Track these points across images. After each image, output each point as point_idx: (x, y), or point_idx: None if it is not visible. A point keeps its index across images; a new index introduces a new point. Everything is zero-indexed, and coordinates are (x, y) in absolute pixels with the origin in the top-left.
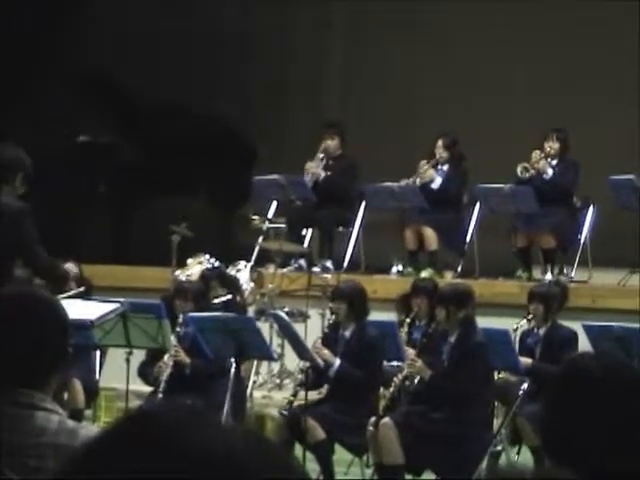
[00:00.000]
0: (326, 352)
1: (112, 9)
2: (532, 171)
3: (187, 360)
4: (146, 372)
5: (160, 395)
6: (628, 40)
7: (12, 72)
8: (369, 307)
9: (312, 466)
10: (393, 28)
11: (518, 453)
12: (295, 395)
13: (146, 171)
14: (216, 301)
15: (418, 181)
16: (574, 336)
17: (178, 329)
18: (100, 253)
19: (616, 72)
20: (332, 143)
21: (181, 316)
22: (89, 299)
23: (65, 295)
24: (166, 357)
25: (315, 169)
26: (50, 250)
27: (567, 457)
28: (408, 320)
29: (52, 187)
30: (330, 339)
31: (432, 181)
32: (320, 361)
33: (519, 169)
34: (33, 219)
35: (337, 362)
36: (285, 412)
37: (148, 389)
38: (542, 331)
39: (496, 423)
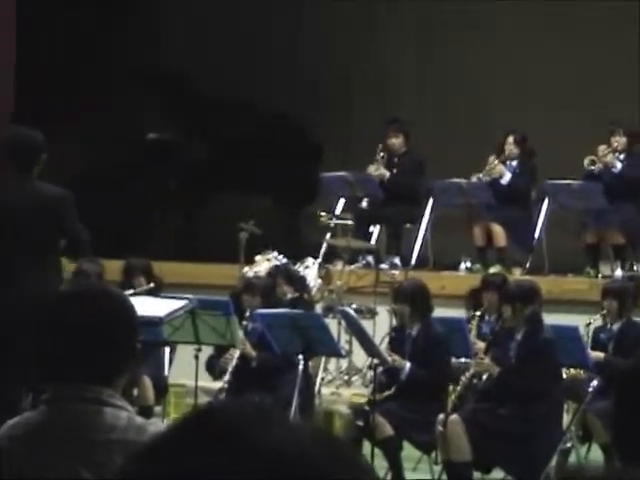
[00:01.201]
0: (396, 357)
1: (181, 7)
2: (599, 164)
3: (253, 353)
4: (213, 365)
5: (225, 385)
6: None
7: (83, 69)
8: (432, 304)
9: (380, 462)
10: (460, 27)
11: (588, 450)
12: (370, 402)
13: (214, 168)
14: (284, 298)
15: (487, 177)
16: None
17: (245, 323)
18: (169, 250)
19: None
20: (396, 141)
21: (248, 310)
22: (158, 296)
23: (134, 291)
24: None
25: (377, 171)
26: (119, 247)
27: (639, 455)
28: (478, 314)
29: (121, 184)
30: (397, 340)
31: (501, 176)
32: (388, 358)
33: (586, 161)
34: (74, 204)
35: (407, 366)
36: (359, 410)
37: (217, 385)
38: (616, 327)
39: (566, 420)
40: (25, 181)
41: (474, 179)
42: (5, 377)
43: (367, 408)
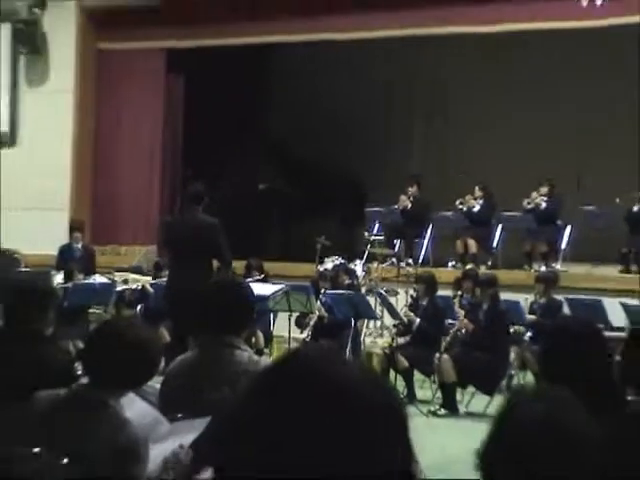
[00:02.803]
0: (412, 314)
1: (285, 85)
2: (532, 204)
3: (326, 315)
4: (300, 322)
5: (309, 332)
6: None
7: (217, 135)
8: (438, 287)
9: (400, 383)
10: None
11: (524, 376)
12: (392, 342)
13: (301, 205)
14: (343, 284)
15: (466, 206)
16: (561, 304)
17: (322, 297)
18: (274, 254)
19: None
20: (412, 189)
21: (323, 290)
22: (266, 282)
23: (252, 279)
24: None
25: (404, 202)
26: (243, 251)
27: (555, 379)
28: (459, 293)
29: (245, 218)
30: (414, 306)
31: (473, 207)
32: (405, 319)
33: (524, 203)
34: (224, 231)
35: (417, 321)
36: (387, 351)
37: (302, 336)
38: (542, 301)
39: (512, 357)
40: (196, 215)
41: (458, 202)
42: (182, 330)
43: (392, 343)
